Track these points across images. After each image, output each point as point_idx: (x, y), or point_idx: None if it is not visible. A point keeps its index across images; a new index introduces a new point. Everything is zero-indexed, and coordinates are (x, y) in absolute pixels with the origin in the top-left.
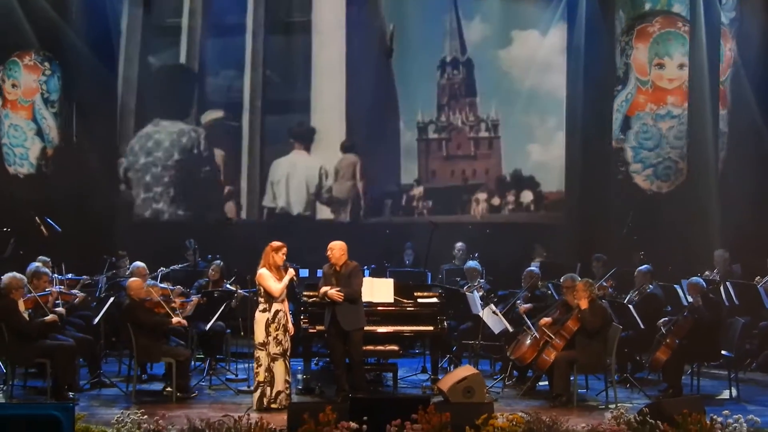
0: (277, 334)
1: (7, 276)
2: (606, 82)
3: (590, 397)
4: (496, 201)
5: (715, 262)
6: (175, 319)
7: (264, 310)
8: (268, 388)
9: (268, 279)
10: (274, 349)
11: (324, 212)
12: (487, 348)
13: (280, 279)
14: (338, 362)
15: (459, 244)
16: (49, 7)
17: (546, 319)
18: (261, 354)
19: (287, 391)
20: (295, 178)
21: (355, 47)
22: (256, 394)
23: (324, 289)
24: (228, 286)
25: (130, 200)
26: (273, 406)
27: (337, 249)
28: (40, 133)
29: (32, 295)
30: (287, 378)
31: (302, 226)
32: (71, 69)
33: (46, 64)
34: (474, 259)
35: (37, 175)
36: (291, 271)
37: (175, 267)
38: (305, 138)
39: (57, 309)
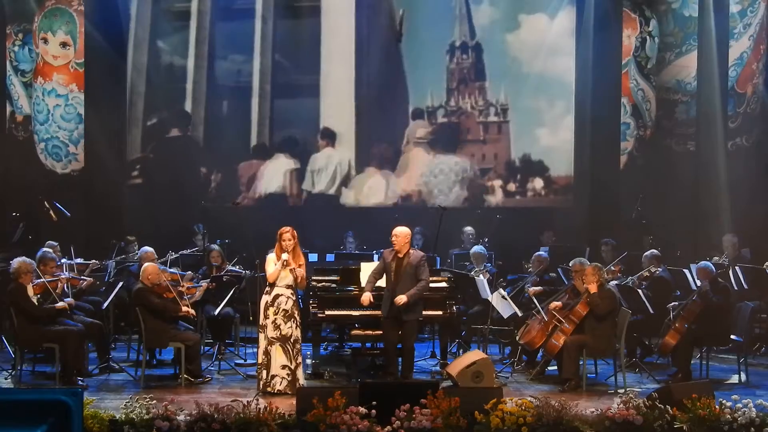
0: (275, 319)
1: (17, 261)
2: (615, 65)
3: (599, 381)
4: (512, 187)
5: (724, 247)
6: (183, 309)
7: (266, 293)
8: (264, 371)
9: (269, 263)
10: (271, 332)
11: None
12: (496, 332)
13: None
14: (392, 348)
15: (468, 229)
16: None
17: (556, 303)
18: (260, 336)
19: (287, 378)
20: (329, 167)
21: (365, 31)
22: (258, 377)
23: (400, 298)
24: (231, 268)
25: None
26: (268, 389)
27: (402, 236)
28: (10, 98)
29: (41, 280)
30: (286, 364)
31: (314, 210)
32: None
33: (20, 35)
34: (482, 244)
35: (8, 137)
36: (283, 256)
37: (184, 252)
38: (331, 137)
39: (67, 300)
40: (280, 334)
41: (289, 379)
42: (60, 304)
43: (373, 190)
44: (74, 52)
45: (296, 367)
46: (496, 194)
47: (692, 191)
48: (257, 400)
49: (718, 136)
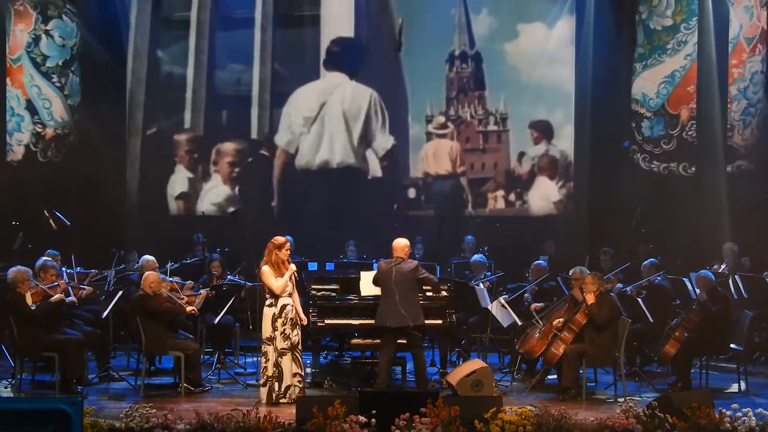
0: (284, 329)
1: (13, 270)
2: (615, 73)
3: (599, 390)
4: (512, 197)
5: (724, 255)
6: (188, 308)
7: (271, 305)
8: (276, 383)
9: (269, 277)
10: (281, 344)
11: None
12: (495, 341)
13: (281, 275)
14: (389, 361)
15: (468, 238)
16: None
17: (558, 320)
18: (268, 349)
19: (299, 385)
20: None
21: (364, 41)
22: (265, 389)
23: None
24: (231, 278)
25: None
26: (283, 401)
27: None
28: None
29: (40, 287)
30: (297, 371)
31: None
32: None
33: None
34: (482, 253)
35: None
36: (291, 267)
37: (185, 261)
38: None
39: (69, 298)
40: (290, 343)
41: (300, 386)
42: (55, 297)
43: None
44: None
45: (302, 372)
46: (498, 203)
47: (690, 209)
48: (257, 409)
49: (718, 155)
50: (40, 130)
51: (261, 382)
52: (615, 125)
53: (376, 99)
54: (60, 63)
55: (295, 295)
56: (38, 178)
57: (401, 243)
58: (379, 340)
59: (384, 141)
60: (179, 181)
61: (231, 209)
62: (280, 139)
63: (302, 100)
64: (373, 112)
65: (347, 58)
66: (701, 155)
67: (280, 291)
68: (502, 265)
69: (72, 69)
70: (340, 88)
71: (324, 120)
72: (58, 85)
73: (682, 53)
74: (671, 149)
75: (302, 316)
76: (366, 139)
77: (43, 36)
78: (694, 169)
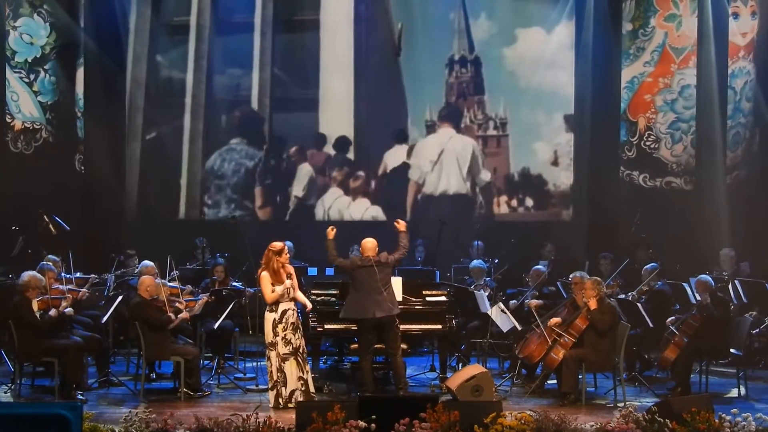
0: (285, 334)
1: (27, 274)
2: (614, 78)
3: (599, 395)
4: (514, 203)
5: (721, 261)
6: (182, 315)
7: (271, 310)
8: (282, 389)
9: (266, 284)
10: (283, 349)
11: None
12: (495, 346)
13: (280, 281)
14: (371, 363)
15: (477, 243)
16: (57, 4)
17: (555, 320)
18: (271, 354)
19: (302, 389)
20: None
21: (363, 45)
22: (272, 393)
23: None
24: (234, 283)
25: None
26: (290, 405)
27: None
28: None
29: (46, 297)
30: (301, 375)
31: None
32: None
33: None
34: (490, 263)
35: None
36: (287, 283)
37: (186, 267)
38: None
39: (66, 310)
40: (292, 348)
41: (303, 389)
42: (53, 311)
43: None
44: None
45: (307, 375)
46: (501, 208)
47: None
48: (257, 413)
49: (718, 162)
50: (9, 120)
51: (269, 386)
52: (612, 129)
53: (476, 146)
54: (29, 60)
55: (299, 293)
56: (14, 169)
57: (372, 243)
58: (381, 345)
59: (484, 175)
60: (337, 201)
61: (231, 216)
62: (413, 174)
63: (427, 148)
64: (477, 155)
65: (454, 116)
66: (699, 164)
67: (271, 301)
68: (504, 271)
69: (45, 68)
70: (452, 140)
71: (443, 162)
72: (26, 81)
73: (641, 60)
74: (633, 156)
75: (308, 302)
76: (471, 174)
77: (11, 32)
78: (657, 182)
